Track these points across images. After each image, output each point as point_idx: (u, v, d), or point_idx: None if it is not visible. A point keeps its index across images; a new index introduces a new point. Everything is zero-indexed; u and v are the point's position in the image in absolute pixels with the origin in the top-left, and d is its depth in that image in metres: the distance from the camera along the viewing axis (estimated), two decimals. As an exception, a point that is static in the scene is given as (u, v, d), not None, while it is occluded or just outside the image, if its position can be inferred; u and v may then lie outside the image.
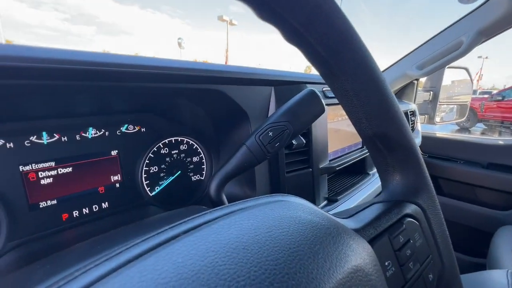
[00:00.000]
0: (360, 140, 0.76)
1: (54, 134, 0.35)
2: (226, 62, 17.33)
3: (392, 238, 0.21)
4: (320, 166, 0.57)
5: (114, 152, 0.41)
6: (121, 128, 0.41)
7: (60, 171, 0.36)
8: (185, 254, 0.12)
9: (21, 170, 0.33)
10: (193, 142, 0.50)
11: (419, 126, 1.41)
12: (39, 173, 0.34)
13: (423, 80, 1.49)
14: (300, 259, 0.13)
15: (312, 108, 0.38)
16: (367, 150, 0.74)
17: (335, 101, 0.63)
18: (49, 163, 0.35)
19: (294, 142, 0.51)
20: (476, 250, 1.31)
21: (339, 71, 0.22)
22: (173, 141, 0.48)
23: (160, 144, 0.46)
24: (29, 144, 0.33)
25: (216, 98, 0.41)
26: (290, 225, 0.16)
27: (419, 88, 1.57)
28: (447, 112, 1.87)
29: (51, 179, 0.35)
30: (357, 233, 0.18)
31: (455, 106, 1.81)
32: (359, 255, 0.16)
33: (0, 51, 0.22)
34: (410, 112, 1.34)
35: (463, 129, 7.73)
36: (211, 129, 0.50)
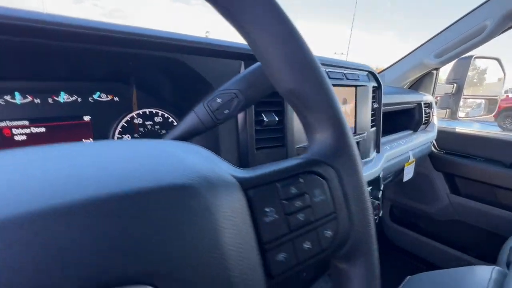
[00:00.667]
0: (352, 125, 0.73)
1: (27, 96, 0.39)
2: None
3: (281, 188, 0.20)
4: (297, 146, 0.57)
5: (86, 118, 0.44)
6: (94, 96, 0.44)
7: (34, 130, 0.40)
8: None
9: (-3, 126, 0.37)
10: (168, 115, 0.52)
11: (435, 120, 1.32)
12: (13, 129, 0.38)
13: (446, 70, 1.38)
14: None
15: (266, 79, 0.38)
16: (360, 135, 0.72)
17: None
18: (23, 121, 0.39)
19: (265, 119, 0.51)
20: (491, 255, 1.21)
21: (247, 24, 0.22)
22: (148, 113, 0.50)
23: (134, 114, 0.48)
24: (3, 103, 0.37)
25: (179, 68, 0.43)
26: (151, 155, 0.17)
27: (440, 81, 1.46)
28: (473, 108, 1.73)
29: (25, 136, 0.39)
30: (231, 178, 0.18)
31: (483, 101, 1.66)
32: (215, 194, 0.16)
33: None
34: (424, 104, 1.26)
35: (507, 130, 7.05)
36: (185, 103, 0.52)
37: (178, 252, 0.14)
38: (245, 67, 0.49)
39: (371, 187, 0.76)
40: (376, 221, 0.75)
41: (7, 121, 0.38)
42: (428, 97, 1.28)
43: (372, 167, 0.75)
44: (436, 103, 1.62)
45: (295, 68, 0.23)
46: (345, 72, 0.68)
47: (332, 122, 0.24)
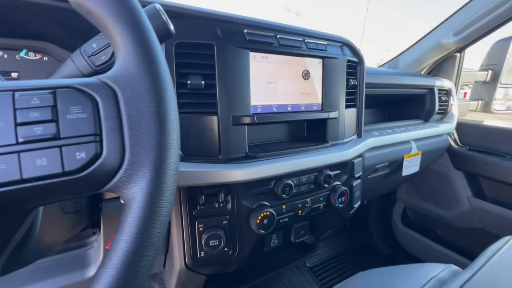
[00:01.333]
0: (318, 102, 0.66)
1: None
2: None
3: (19, 97, 0.18)
4: (234, 115, 0.53)
5: (14, 74, 0.47)
6: (20, 54, 0.47)
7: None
8: None
9: None
10: None
11: (454, 110, 1.15)
12: None
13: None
14: None
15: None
16: (327, 113, 0.65)
17: (283, 50, 0.57)
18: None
19: (188, 82, 0.48)
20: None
21: None
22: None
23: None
24: None
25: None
26: None
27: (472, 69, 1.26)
28: (516, 99, 1.47)
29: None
30: None
31: (529, 91, 1.40)
32: None
33: None
34: (440, 90, 1.10)
35: None
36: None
37: None
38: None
39: (339, 171, 0.68)
40: (342, 206, 0.67)
41: None
42: (444, 83, 1.11)
43: (340, 150, 0.67)
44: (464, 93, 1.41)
45: None
46: (306, 41, 0.62)
47: (130, 49, 0.22)
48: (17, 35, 0.46)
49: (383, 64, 1.37)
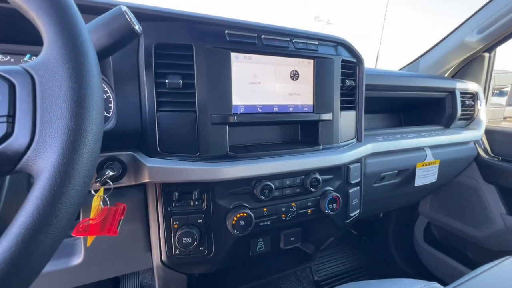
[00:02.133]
0: (307, 103, 0.64)
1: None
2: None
3: None
4: (213, 114, 0.54)
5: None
6: (25, 58, 0.53)
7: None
8: None
9: None
10: None
11: (482, 115, 1.03)
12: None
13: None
14: None
15: (116, 28, 0.38)
16: (318, 115, 0.63)
17: (269, 51, 0.57)
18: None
19: (167, 81, 0.50)
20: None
21: None
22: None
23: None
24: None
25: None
26: None
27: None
28: None
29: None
30: None
31: None
32: None
33: None
34: (463, 93, 1.00)
35: None
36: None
37: None
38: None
39: (330, 176, 0.65)
40: (332, 213, 0.63)
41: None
42: (469, 85, 1.00)
43: (332, 153, 0.64)
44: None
45: None
46: (294, 41, 0.61)
47: (50, 35, 0.23)
48: (21, 42, 0.52)
49: (402, 68, 1.29)
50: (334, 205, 0.63)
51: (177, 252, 0.52)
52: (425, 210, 1.31)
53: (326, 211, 0.63)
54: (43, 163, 0.21)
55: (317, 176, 0.61)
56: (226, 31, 0.54)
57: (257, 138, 0.66)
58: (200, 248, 0.53)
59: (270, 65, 0.60)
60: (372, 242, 1.49)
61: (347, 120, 0.71)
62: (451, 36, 1.08)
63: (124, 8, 0.38)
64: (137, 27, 0.39)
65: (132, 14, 0.40)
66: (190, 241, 0.51)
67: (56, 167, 0.21)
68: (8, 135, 0.21)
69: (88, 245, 0.46)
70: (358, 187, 0.72)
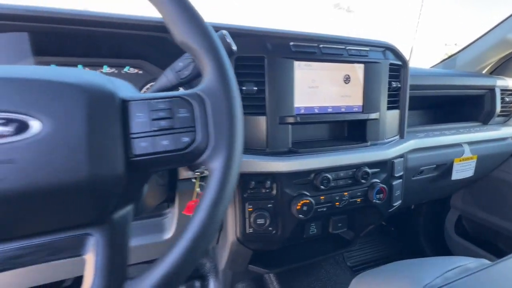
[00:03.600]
0: (357, 104, 0.72)
1: (86, 68, 0.61)
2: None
3: (153, 103, 0.30)
4: (280, 115, 0.63)
5: (120, 85, 0.64)
6: (124, 69, 0.64)
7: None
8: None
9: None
10: None
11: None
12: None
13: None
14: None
15: None
16: (367, 115, 0.71)
17: (319, 58, 0.65)
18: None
19: (244, 88, 0.59)
20: None
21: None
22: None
23: (152, 82, 0.66)
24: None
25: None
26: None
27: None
28: None
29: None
30: (114, 91, 0.30)
31: None
32: (93, 95, 0.28)
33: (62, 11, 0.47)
34: (503, 90, 1.03)
35: None
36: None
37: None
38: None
39: (378, 169, 0.72)
40: (379, 202, 0.71)
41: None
42: (509, 82, 1.02)
43: (379, 149, 0.71)
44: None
45: (185, 24, 0.33)
46: (348, 48, 0.68)
47: (211, 65, 0.33)
48: (123, 56, 0.63)
49: (436, 64, 1.31)
50: (381, 195, 0.71)
51: (251, 231, 0.63)
52: (457, 203, 1.35)
53: (374, 201, 0.70)
54: (217, 159, 0.31)
55: (367, 169, 0.69)
56: (291, 43, 0.62)
57: (311, 135, 0.75)
58: (269, 228, 0.63)
59: (326, 71, 0.67)
60: (401, 233, 1.55)
61: (391, 118, 0.77)
62: (492, 33, 1.09)
63: (224, 32, 0.48)
64: (234, 47, 0.49)
65: (230, 36, 0.49)
66: (263, 222, 0.61)
67: (226, 162, 0.31)
68: (193, 140, 0.31)
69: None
70: (401, 180, 0.79)
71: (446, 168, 0.94)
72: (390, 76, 0.74)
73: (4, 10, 0.47)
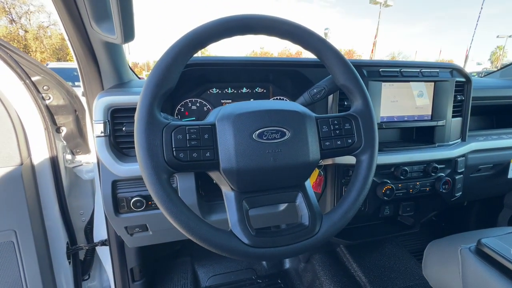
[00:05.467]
0: (427, 113, 0.91)
1: (231, 89, 0.89)
2: (372, 52, 15.94)
3: (331, 123, 0.55)
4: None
5: (251, 99, 0.91)
6: (256, 89, 0.91)
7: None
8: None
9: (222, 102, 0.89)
10: (287, 99, 0.93)
11: None
12: (226, 103, 0.89)
13: None
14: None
15: None
16: (435, 122, 0.90)
17: (392, 79, 0.86)
18: (229, 100, 0.89)
19: (345, 103, 0.83)
20: None
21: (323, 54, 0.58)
22: (277, 98, 0.93)
23: (272, 98, 0.92)
24: (223, 92, 0.89)
25: (298, 75, 0.82)
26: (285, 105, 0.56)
27: None
28: None
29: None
30: (312, 114, 0.55)
31: None
32: (306, 117, 0.53)
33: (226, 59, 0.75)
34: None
35: None
36: (297, 92, 0.91)
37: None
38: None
39: (443, 166, 0.91)
40: (445, 192, 0.90)
41: (224, 100, 0.89)
42: None
43: (445, 150, 0.90)
44: None
45: (344, 73, 0.57)
46: (422, 70, 0.88)
47: (361, 97, 0.57)
48: (256, 81, 0.90)
49: (493, 72, 1.41)
50: (446, 186, 0.90)
51: None
52: (511, 202, 1.44)
53: (440, 190, 0.90)
54: (365, 154, 0.55)
55: (436, 165, 0.88)
56: (380, 69, 0.84)
57: (387, 137, 0.96)
58: (361, 208, 0.86)
59: (404, 89, 0.88)
60: (451, 229, 1.67)
61: (455, 125, 0.95)
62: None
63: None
64: None
65: None
66: (356, 201, 0.84)
67: (371, 156, 0.55)
68: (354, 141, 0.55)
69: None
70: (462, 175, 0.97)
71: (502, 168, 1.08)
72: (456, 91, 0.92)
73: (197, 61, 0.76)
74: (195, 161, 0.47)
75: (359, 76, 0.57)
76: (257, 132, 0.49)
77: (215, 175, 0.53)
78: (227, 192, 0.52)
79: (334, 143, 0.55)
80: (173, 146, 0.46)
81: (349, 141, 0.55)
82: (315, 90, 0.72)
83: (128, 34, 0.60)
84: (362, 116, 0.56)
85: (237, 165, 0.47)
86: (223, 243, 0.45)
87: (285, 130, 0.51)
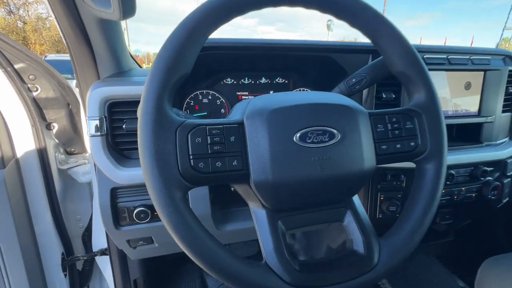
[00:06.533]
0: (475, 109, 0.79)
1: (249, 79, 0.76)
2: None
3: (388, 119, 0.43)
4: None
5: (271, 91, 0.79)
6: (276, 79, 0.78)
7: (248, 96, 0.77)
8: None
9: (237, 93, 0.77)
10: (309, 90, 0.81)
11: None
12: (242, 96, 0.77)
13: None
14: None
15: (385, 67, 0.58)
16: (484, 118, 0.78)
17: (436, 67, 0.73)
18: (245, 92, 0.77)
19: (383, 95, 0.70)
20: None
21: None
22: (300, 90, 0.80)
23: (295, 90, 0.80)
24: (238, 83, 0.76)
25: (328, 61, 0.69)
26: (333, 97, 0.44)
27: None
28: None
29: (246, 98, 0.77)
30: (364, 110, 0.43)
31: None
32: (358, 113, 0.41)
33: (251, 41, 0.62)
34: None
35: None
36: (324, 83, 0.78)
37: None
38: (372, 59, 0.70)
39: (492, 168, 0.79)
40: (494, 198, 0.78)
41: (239, 92, 0.77)
42: None
43: (494, 150, 0.78)
44: None
45: (404, 58, 0.44)
46: (472, 57, 0.75)
47: (425, 88, 0.44)
48: (277, 70, 0.78)
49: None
50: (496, 192, 0.78)
51: (380, 216, 0.74)
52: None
53: (489, 197, 0.78)
54: (431, 163, 0.43)
55: (485, 168, 0.76)
56: (425, 55, 0.71)
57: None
58: (397, 215, 0.74)
59: (449, 79, 0.75)
60: (484, 237, 1.55)
61: (504, 121, 0.83)
62: None
63: None
64: None
65: None
66: (395, 209, 0.72)
67: (438, 164, 0.43)
68: (418, 145, 0.43)
69: None
70: (510, 179, 0.85)
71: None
72: (508, 82, 0.79)
73: (218, 43, 0.63)
74: (218, 172, 0.35)
75: (423, 63, 0.45)
76: (299, 134, 0.37)
77: (241, 188, 0.41)
78: (257, 210, 0.41)
79: (393, 146, 0.43)
80: (190, 153, 0.34)
81: (412, 144, 0.43)
82: (354, 80, 0.60)
83: (127, 7, 0.48)
84: (427, 113, 0.44)
85: (273, 177, 0.36)
86: (259, 282, 0.34)
87: (334, 130, 0.39)
